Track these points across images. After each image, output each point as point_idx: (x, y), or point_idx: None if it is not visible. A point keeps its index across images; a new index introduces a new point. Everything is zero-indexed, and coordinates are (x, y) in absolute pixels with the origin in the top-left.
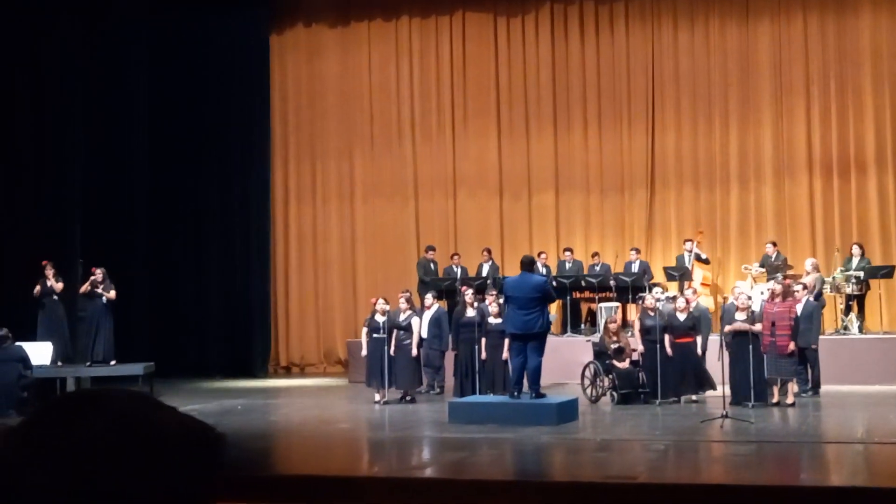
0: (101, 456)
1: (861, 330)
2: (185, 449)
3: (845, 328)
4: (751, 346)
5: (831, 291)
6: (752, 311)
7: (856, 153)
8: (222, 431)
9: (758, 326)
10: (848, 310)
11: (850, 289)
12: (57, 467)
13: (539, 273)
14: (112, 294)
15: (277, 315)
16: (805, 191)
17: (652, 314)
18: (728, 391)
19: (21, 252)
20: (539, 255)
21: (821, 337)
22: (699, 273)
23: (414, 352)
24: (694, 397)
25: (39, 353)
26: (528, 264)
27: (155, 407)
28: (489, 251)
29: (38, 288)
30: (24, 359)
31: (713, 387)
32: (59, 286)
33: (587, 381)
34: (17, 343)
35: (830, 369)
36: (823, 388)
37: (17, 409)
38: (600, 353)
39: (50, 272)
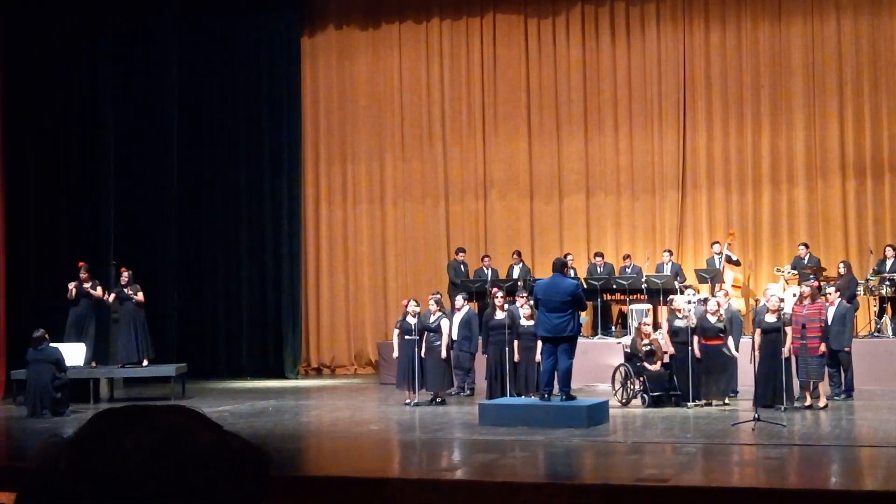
0: (149, 471)
1: (895, 332)
2: (230, 467)
3: (879, 331)
4: (781, 349)
5: (865, 294)
6: (784, 313)
7: (890, 155)
8: (267, 451)
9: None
10: (882, 312)
11: (884, 291)
12: (106, 482)
13: (570, 276)
14: (140, 297)
15: (308, 316)
16: (838, 193)
17: (680, 316)
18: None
19: (55, 254)
20: (565, 256)
21: (854, 339)
22: (730, 275)
23: (443, 354)
24: (724, 401)
25: (73, 354)
26: (559, 267)
27: (202, 424)
28: (519, 253)
29: (72, 290)
30: (58, 360)
31: (734, 392)
32: (97, 293)
33: (618, 384)
34: (53, 344)
35: (864, 372)
36: (856, 390)
37: (51, 409)
38: (631, 355)
39: (84, 275)
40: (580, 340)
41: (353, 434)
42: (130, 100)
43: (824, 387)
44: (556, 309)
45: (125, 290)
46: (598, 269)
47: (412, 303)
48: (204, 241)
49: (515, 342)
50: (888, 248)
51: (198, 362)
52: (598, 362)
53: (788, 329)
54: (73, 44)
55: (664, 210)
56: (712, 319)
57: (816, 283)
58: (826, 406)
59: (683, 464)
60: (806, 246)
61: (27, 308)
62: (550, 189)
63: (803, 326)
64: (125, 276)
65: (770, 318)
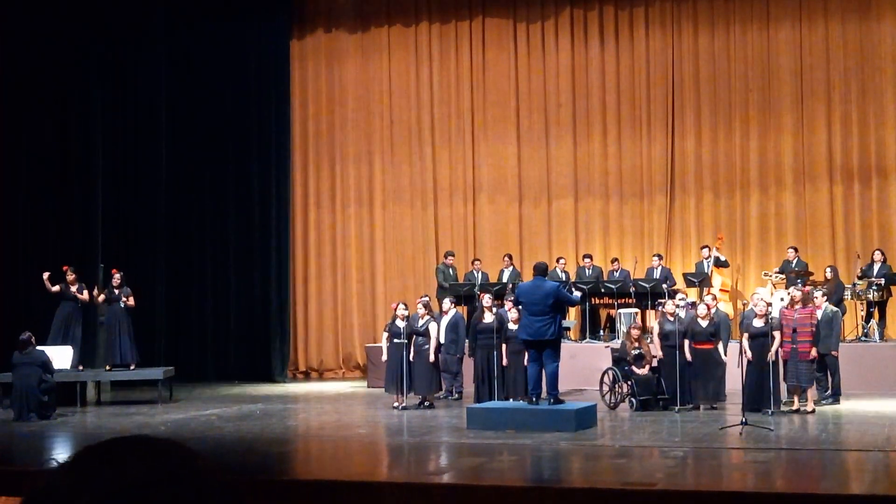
0: (146, 493)
1: (882, 337)
2: (221, 485)
3: (866, 335)
4: (769, 353)
5: (852, 298)
6: (772, 318)
7: (877, 159)
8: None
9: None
10: (869, 316)
11: (871, 295)
12: (110, 499)
13: (557, 279)
14: (131, 302)
15: (297, 320)
16: (826, 197)
17: (672, 320)
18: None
19: (43, 257)
20: (557, 260)
21: (842, 344)
22: (718, 279)
23: (431, 357)
24: (712, 405)
25: (60, 357)
26: (541, 271)
27: (187, 451)
28: (510, 257)
29: (56, 287)
30: (45, 363)
31: (722, 396)
32: (83, 296)
33: (606, 388)
34: (39, 347)
35: (851, 376)
36: (844, 395)
37: (38, 413)
38: (619, 359)
39: (71, 277)
40: (569, 344)
41: (341, 438)
42: (120, 103)
43: (812, 391)
44: (537, 312)
45: (115, 291)
46: (587, 271)
47: (401, 306)
48: (192, 244)
49: (503, 346)
50: (876, 252)
51: (186, 365)
52: (586, 366)
53: (776, 333)
54: (64, 47)
55: (653, 214)
56: (703, 323)
57: (807, 288)
58: (813, 410)
59: (671, 468)
60: (795, 249)
61: (13, 311)
62: (539, 193)
63: (794, 331)
64: (116, 277)
65: (758, 323)
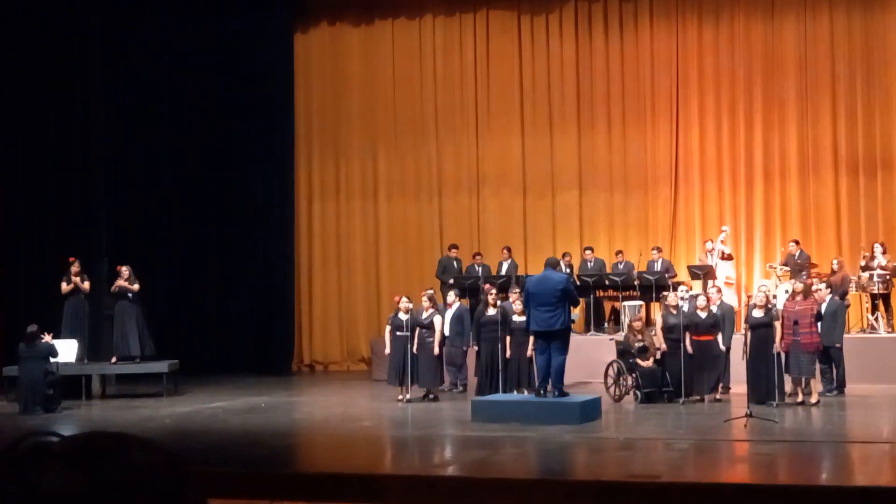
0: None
1: (893, 328)
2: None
3: (872, 328)
4: (771, 344)
5: (857, 290)
6: (775, 309)
7: (882, 152)
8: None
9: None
10: (874, 309)
11: (875, 288)
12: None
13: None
14: (135, 287)
15: (301, 313)
16: (830, 189)
17: (675, 312)
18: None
19: (47, 249)
20: (563, 255)
21: (847, 336)
22: (723, 271)
23: (436, 350)
24: (717, 396)
25: (65, 350)
26: (552, 264)
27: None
28: (509, 249)
29: (65, 285)
30: (51, 356)
31: (726, 388)
32: (85, 286)
33: (610, 380)
34: (46, 341)
35: (856, 368)
36: (848, 387)
37: (43, 406)
38: (624, 351)
39: (75, 269)
40: (573, 337)
41: (346, 430)
42: (122, 95)
43: (815, 383)
44: (545, 303)
45: (125, 285)
46: (589, 263)
47: (404, 299)
48: (196, 237)
49: (508, 338)
50: (876, 245)
51: (190, 359)
52: (590, 358)
53: (777, 324)
54: (65, 38)
55: (657, 206)
56: (702, 315)
57: (809, 280)
58: (818, 402)
59: (676, 460)
60: (797, 242)
61: (17, 304)
62: (543, 185)
63: (795, 323)
64: (126, 272)
65: (757, 314)
